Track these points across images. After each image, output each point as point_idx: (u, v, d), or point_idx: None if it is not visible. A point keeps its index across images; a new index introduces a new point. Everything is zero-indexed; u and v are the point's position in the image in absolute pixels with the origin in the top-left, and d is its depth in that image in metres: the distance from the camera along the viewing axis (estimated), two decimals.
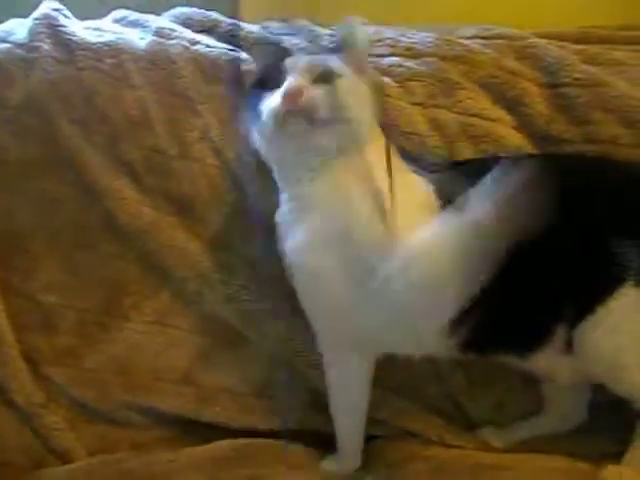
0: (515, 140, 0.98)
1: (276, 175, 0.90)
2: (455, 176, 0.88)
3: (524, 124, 0.99)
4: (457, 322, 0.83)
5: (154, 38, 1.05)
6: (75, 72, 1.01)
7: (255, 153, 0.91)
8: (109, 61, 1.02)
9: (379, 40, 1.06)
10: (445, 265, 0.79)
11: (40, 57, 1.01)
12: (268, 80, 0.86)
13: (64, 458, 0.99)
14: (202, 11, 1.10)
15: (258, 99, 0.86)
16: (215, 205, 1.00)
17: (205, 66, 1.02)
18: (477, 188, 0.80)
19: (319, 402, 0.98)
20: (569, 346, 0.85)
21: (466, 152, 0.98)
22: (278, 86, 0.84)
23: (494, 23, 1.12)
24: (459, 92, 1.00)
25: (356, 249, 0.83)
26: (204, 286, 1.00)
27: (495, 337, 0.86)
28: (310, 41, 1.07)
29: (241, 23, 1.08)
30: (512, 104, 1.00)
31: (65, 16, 1.06)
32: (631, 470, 0.85)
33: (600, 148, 0.97)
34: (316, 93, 0.83)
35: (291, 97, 0.82)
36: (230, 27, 1.07)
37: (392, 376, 0.97)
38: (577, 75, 1.00)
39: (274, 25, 1.12)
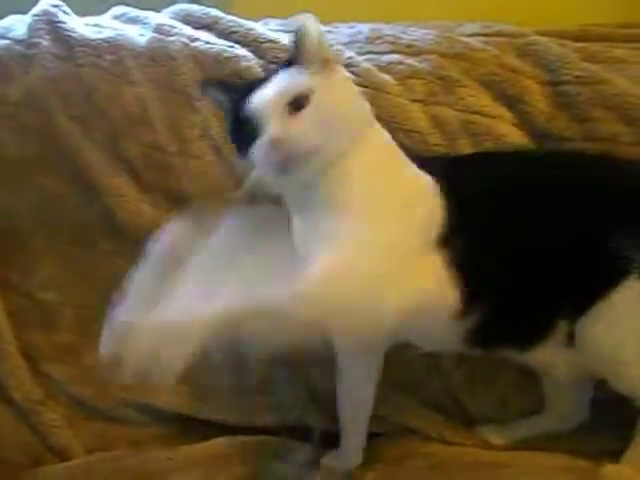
0: (516, 138, 0.98)
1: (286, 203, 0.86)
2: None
3: (525, 122, 0.99)
4: (462, 317, 0.82)
5: (154, 35, 1.04)
6: (74, 69, 1.01)
7: None
8: (109, 58, 1.01)
9: (379, 37, 1.06)
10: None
11: (39, 53, 1.01)
12: (242, 126, 0.82)
13: (62, 455, 0.99)
14: (202, 8, 1.09)
15: (241, 142, 0.83)
16: (214, 202, 1.00)
17: (205, 63, 1.02)
18: None
19: (318, 399, 0.98)
20: (571, 339, 0.85)
21: (467, 149, 0.98)
22: (255, 131, 0.80)
23: (495, 21, 1.11)
24: (460, 90, 1.00)
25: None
26: None
27: (498, 331, 0.86)
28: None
29: (241, 20, 1.07)
30: (513, 102, 1.00)
31: (64, 12, 1.06)
32: (630, 468, 0.85)
33: (600, 146, 0.96)
34: (299, 130, 0.78)
35: (277, 151, 0.77)
36: (230, 24, 1.07)
37: (392, 372, 0.96)
38: (578, 73, 0.99)
39: (273, 22, 1.12)
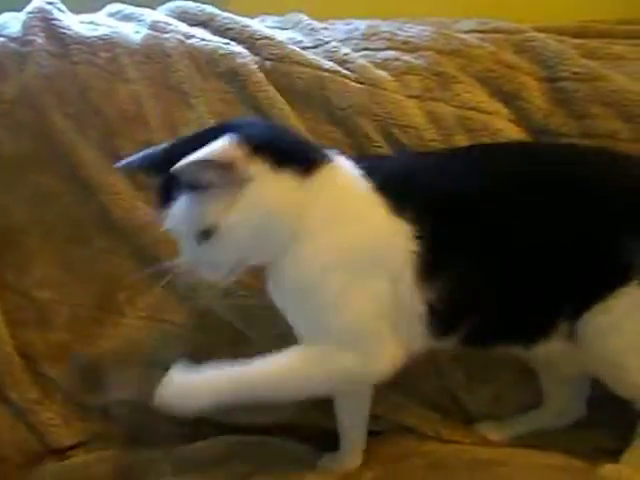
0: (512, 134, 0.97)
1: None
2: None
3: (522, 118, 0.99)
4: (456, 323, 0.82)
5: (149, 32, 1.04)
6: (69, 66, 1.01)
7: None
8: (104, 55, 1.01)
9: (375, 34, 1.06)
10: None
11: (34, 51, 1.00)
12: None
13: (59, 454, 0.99)
14: (197, 4, 1.09)
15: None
16: None
17: (200, 60, 1.02)
18: None
19: (316, 398, 0.97)
20: (571, 338, 0.84)
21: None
22: None
23: (492, 17, 1.11)
24: (456, 86, 1.00)
25: None
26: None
27: (499, 331, 0.85)
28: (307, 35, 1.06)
29: (237, 17, 1.07)
30: (510, 98, 0.99)
31: (59, 10, 1.06)
32: (630, 469, 0.85)
33: (598, 143, 0.96)
34: (209, 258, 0.79)
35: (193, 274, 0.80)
36: (226, 21, 1.07)
37: None
38: (576, 69, 0.99)
39: (269, 19, 1.12)
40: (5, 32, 1.03)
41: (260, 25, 1.07)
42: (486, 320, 0.82)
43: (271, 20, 1.11)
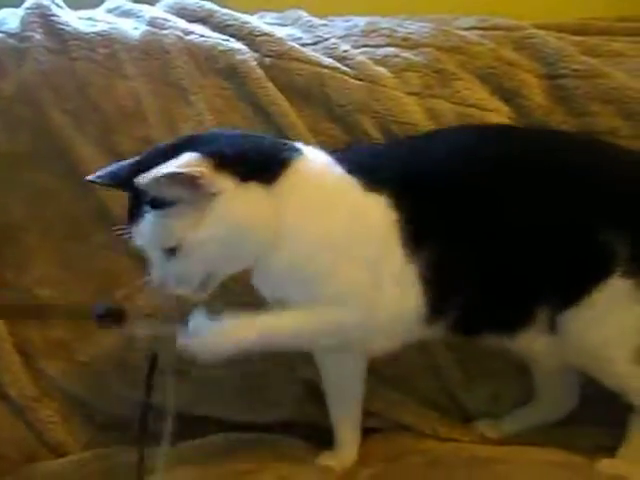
0: None
1: None
2: None
3: (522, 115, 0.99)
4: (444, 304, 0.82)
5: (148, 28, 1.04)
6: (68, 62, 1.00)
7: None
8: (102, 51, 1.01)
9: (375, 31, 1.06)
10: None
11: (32, 47, 1.00)
12: None
13: (57, 451, 0.99)
14: (196, 1, 1.09)
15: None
16: None
17: (199, 56, 1.01)
18: None
19: (314, 394, 0.97)
20: (554, 331, 0.84)
21: None
22: None
23: (492, 14, 1.11)
24: (455, 83, 1.00)
25: None
26: None
27: (479, 318, 0.85)
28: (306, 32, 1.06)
29: (236, 13, 1.07)
30: (510, 95, 1.00)
31: (57, 6, 1.06)
32: (626, 463, 0.85)
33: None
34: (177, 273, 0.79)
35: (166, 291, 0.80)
36: (225, 17, 1.06)
37: (386, 368, 0.96)
38: (576, 66, 0.99)
39: (268, 15, 1.11)
40: (3, 28, 1.03)
41: (259, 22, 1.07)
42: (470, 304, 0.82)
43: (270, 17, 1.11)
